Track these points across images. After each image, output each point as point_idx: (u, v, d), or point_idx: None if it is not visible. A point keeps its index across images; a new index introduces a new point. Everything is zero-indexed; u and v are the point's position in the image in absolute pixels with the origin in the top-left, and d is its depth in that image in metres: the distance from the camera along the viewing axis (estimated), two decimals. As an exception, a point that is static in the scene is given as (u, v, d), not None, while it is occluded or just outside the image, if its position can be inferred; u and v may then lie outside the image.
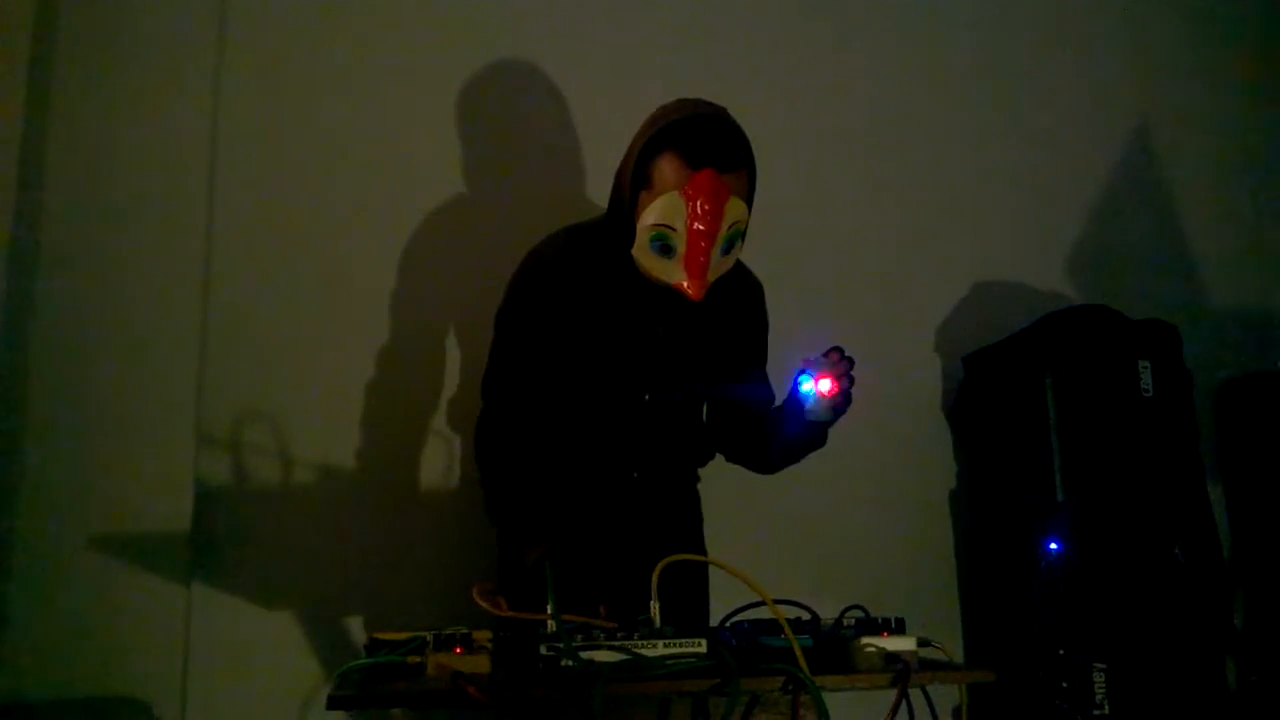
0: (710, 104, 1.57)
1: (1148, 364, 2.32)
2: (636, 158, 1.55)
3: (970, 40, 2.80)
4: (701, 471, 1.89)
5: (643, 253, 1.56)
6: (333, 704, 1.13)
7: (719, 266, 1.57)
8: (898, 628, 1.32)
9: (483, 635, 1.22)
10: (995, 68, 2.80)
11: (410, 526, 2.13)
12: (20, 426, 1.92)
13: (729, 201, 1.51)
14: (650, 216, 1.53)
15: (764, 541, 2.20)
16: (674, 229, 1.52)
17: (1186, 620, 2.24)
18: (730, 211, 1.52)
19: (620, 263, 1.61)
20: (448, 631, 1.22)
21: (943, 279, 2.65)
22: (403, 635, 1.25)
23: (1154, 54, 2.96)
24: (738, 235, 1.57)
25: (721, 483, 1.92)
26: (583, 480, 1.72)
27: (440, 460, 2.16)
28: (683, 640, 1.21)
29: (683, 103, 1.57)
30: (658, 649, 1.20)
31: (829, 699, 1.19)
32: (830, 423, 1.59)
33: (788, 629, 1.26)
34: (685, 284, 1.53)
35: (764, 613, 1.32)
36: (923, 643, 1.32)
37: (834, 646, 1.31)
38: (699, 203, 1.50)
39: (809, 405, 1.52)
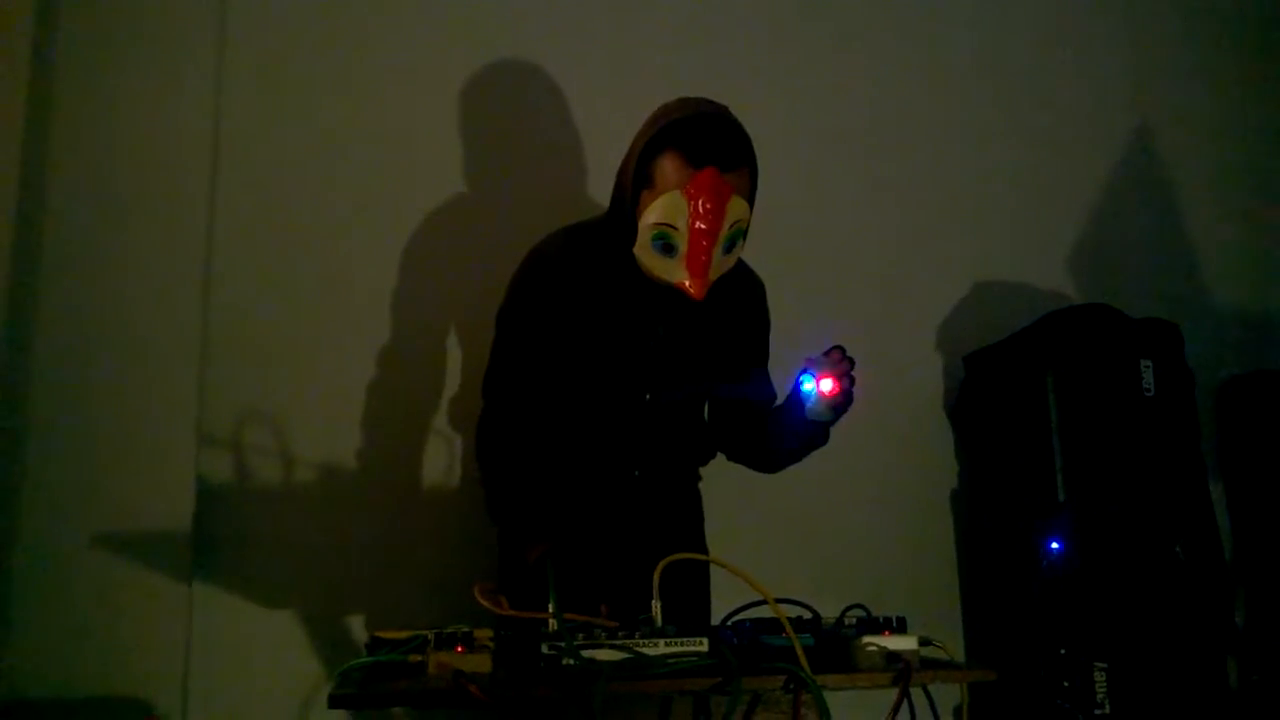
0: (712, 102, 1.57)
1: (1149, 363, 2.32)
2: (638, 156, 1.55)
3: (970, 40, 2.80)
4: (703, 470, 1.89)
5: (644, 252, 1.56)
6: (334, 703, 1.13)
7: (721, 265, 1.56)
8: (899, 627, 1.32)
9: (484, 634, 1.22)
10: (995, 68, 2.80)
11: (411, 525, 2.13)
12: (22, 426, 1.92)
13: (731, 200, 1.51)
14: (652, 215, 1.53)
15: (765, 540, 2.20)
16: (676, 228, 1.52)
17: (1187, 619, 2.24)
18: (732, 210, 1.52)
19: (622, 262, 1.61)
20: (449, 630, 1.22)
21: (943, 278, 2.65)
22: (404, 634, 1.25)
23: (1153, 54, 2.96)
24: (739, 234, 1.57)
25: (723, 482, 1.92)
26: (584, 479, 1.72)
27: (441, 459, 2.16)
28: (684, 639, 1.21)
29: (684, 101, 1.57)
30: (659, 648, 1.20)
31: (830, 698, 1.19)
32: (831, 422, 1.59)
33: (789, 628, 1.26)
34: (687, 283, 1.53)
35: (765, 612, 1.32)
36: (924, 642, 1.32)
37: (835, 645, 1.31)
38: (701, 201, 1.50)
39: (810, 405, 1.52)
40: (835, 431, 1.64)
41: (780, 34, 2.63)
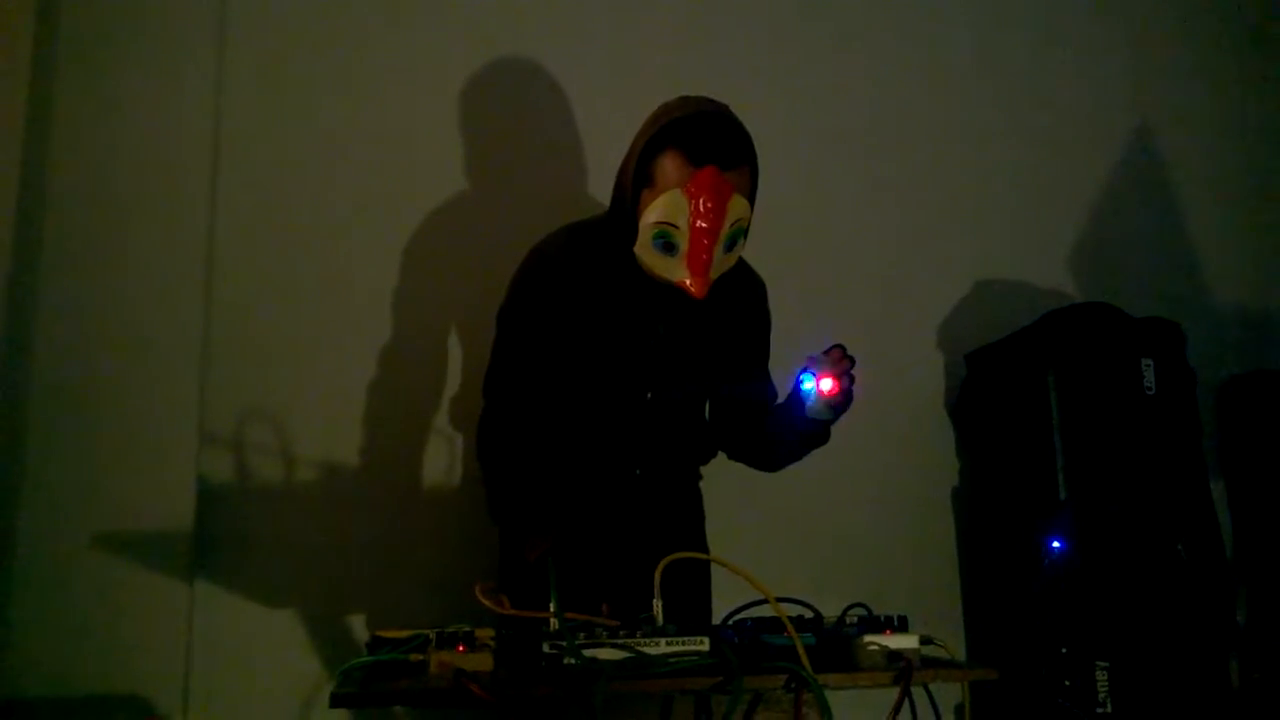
0: (712, 101, 1.57)
1: (1150, 362, 2.31)
2: (639, 155, 1.55)
3: (970, 40, 2.80)
4: (704, 469, 1.89)
5: (645, 250, 1.56)
6: (335, 702, 1.12)
7: (721, 264, 1.56)
8: (900, 626, 1.32)
9: (485, 633, 1.23)
10: (995, 68, 2.80)
11: (412, 525, 2.13)
12: (22, 426, 1.92)
13: (731, 199, 1.51)
14: (653, 214, 1.53)
15: (766, 539, 2.20)
16: (676, 227, 1.52)
17: (1189, 618, 2.24)
18: (733, 209, 1.52)
19: (622, 261, 1.61)
20: (450, 629, 1.22)
21: (944, 277, 2.65)
22: (405, 633, 1.26)
23: (1153, 54, 2.96)
24: (740, 233, 1.56)
25: (724, 481, 1.92)
26: (585, 478, 1.72)
27: (442, 459, 2.17)
28: (685, 638, 1.21)
29: (685, 100, 1.57)
30: (660, 647, 1.20)
31: (831, 697, 1.19)
32: (832, 421, 1.59)
33: (790, 627, 1.26)
34: (688, 282, 1.53)
35: (766, 611, 1.31)
36: (925, 641, 1.32)
37: (836, 644, 1.31)
38: (701, 200, 1.50)
39: (810, 404, 1.52)
40: (836, 430, 1.64)
41: (780, 34, 2.63)
